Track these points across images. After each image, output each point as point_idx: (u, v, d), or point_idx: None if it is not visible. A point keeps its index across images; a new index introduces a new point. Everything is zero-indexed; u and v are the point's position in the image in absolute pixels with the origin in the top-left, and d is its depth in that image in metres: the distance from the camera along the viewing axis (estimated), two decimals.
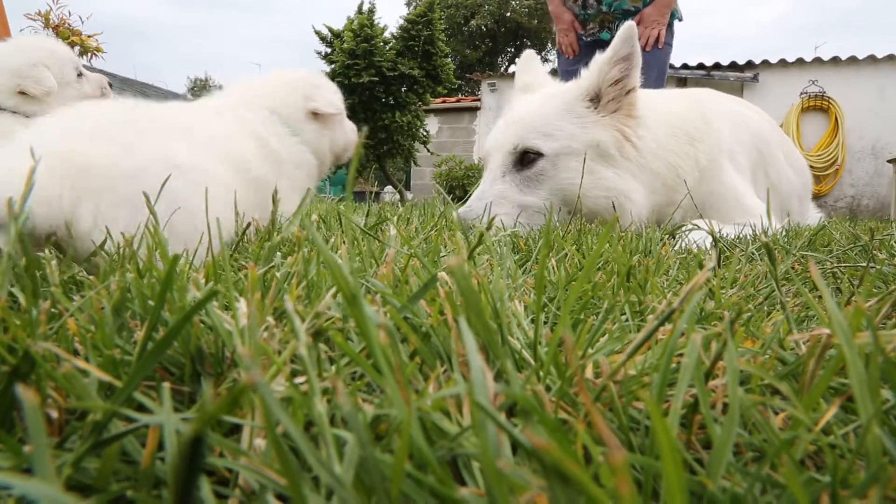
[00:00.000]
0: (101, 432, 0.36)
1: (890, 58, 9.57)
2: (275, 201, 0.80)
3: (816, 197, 10.08)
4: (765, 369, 0.46)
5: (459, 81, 13.23)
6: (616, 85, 2.00)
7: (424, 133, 11.16)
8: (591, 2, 3.82)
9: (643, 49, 3.63)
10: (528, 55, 2.57)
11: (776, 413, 0.48)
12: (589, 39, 3.86)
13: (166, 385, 0.39)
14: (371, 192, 3.24)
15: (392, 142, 10.45)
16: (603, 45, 3.84)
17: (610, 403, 0.42)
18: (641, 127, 2.01)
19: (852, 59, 9.77)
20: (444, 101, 12.82)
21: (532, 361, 0.47)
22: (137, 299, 0.59)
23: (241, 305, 0.50)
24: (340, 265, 0.33)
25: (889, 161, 8.27)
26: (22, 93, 1.63)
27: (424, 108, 11.20)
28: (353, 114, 10.13)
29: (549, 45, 21.94)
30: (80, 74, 1.81)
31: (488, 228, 0.84)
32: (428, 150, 11.59)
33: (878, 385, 0.37)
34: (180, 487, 0.21)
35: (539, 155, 2.00)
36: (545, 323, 0.65)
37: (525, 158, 2.03)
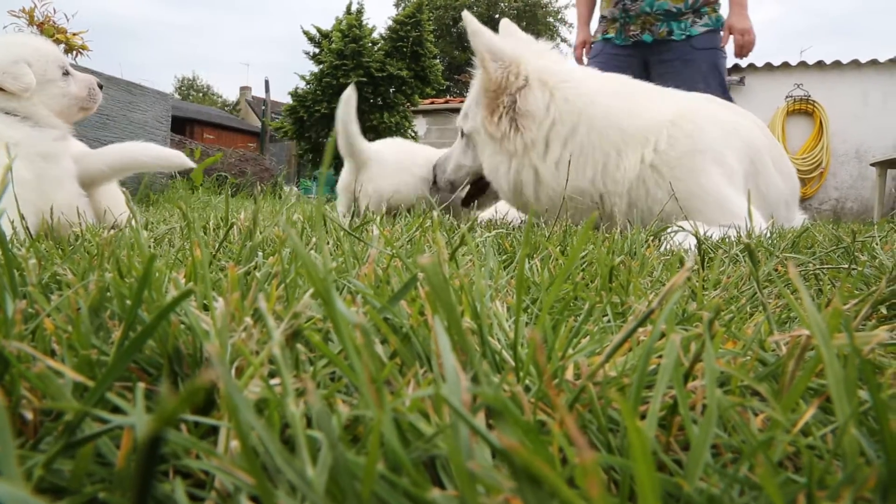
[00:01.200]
0: (74, 433, 0.36)
1: (873, 63, 9.67)
2: (256, 201, 0.79)
3: (802, 199, 10.12)
4: (744, 371, 0.46)
5: (448, 82, 13.25)
6: (498, 86, 2.13)
7: (413, 134, 11.16)
8: (629, 4, 3.79)
9: (743, 56, 3.68)
10: (506, 23, 2.56)
11: (756, 414, 0.48)
12: (631, 42, 3.84)
13: (141, 385, 0.38)
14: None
15: None
16: (644, 46, 3.86)
17: (590, 405, 0.42)
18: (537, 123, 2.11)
19: (836, 64, 9.86)
20: (432, 102, 12.81)
21: (512, 362, 0.47)
22: (116, 299, 0.58)
23: (220, 305, 0.50)
24: (316, 263, 0.32)
25: (872, 164, 8.35)
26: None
27: (413, 108, 11.20)
28: None
29: None
30: (66, 73, 1.81)
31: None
32: None
33: (856, 386, 0.38)
34: (138, 487, 0.20)
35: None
36: (527, 324, 0.65)
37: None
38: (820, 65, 9.84)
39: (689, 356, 0.44)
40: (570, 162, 2.06)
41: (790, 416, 0.43)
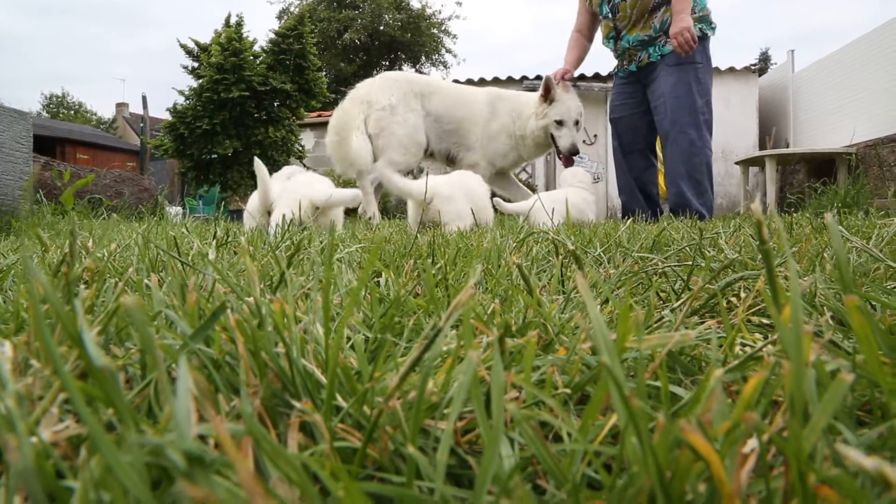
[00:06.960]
0: None
1: (731, 70, 10.44)
2: (73, 234, 0.74)
3: None
4: (537, 387, 0.46)
5: (334, 95, 13.08)
6: None
7: (300, 148, 10.96)
8: (616, 45, 4.60)
9: (684, 53, 4.14)
10: None
11: (578, 417, 0.49)
12: (627, 73, 4.64)
13: None
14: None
15: (266, 158, 10.16)
16: (638, 73, 4.57)
17: (398, 425, 0.41)
18: None
19: None
20: (319, 115, 12.64)
21: (324, 380, 0.46)
22: None
23: (6, 349, 0.45)
24: (74, 310, 0.30)
25: (736, 163, 8.98)
26: None
27: (299, 122, 11.01)
28: (223, 130, 9.78)
29: (423, 58, 22.24)
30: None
31: None
32: (304, 166, 11.38)
33: (644, 393, 0.39)
34: None
35: None
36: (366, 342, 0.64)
37: None
38: None
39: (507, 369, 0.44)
40: None
41: (600, 420, 0.44)
